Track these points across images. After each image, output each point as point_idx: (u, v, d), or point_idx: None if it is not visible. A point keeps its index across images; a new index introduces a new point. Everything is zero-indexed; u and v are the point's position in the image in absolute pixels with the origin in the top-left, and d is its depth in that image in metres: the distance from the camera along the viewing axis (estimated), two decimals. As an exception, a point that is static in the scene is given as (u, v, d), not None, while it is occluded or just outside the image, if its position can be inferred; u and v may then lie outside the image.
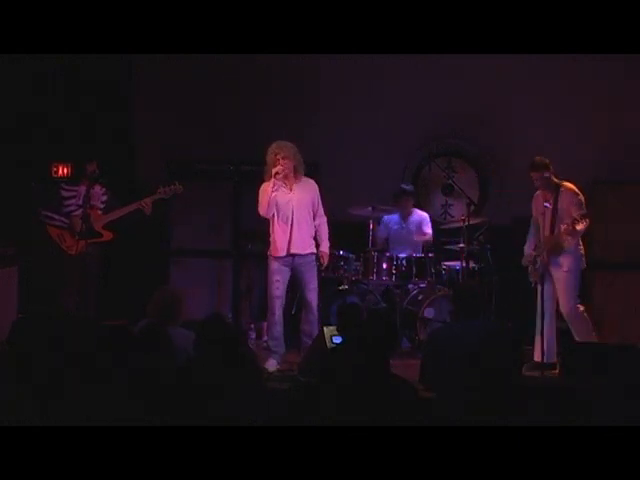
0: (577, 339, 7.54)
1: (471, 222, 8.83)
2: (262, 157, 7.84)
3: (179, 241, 9.65)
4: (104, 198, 8.28)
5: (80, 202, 8.17)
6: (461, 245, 8.86)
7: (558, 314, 7.80)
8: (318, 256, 8.00)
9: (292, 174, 7.81)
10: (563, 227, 7.49)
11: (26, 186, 8.72)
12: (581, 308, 7.78)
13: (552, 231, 7.72)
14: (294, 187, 7.87)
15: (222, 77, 9.85)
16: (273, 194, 7.72)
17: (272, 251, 7.88)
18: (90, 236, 8.08)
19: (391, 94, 9.75)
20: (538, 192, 7.90)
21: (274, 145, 7.80)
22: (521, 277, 8.10)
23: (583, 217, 7.39)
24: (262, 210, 7.81)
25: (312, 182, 8.03)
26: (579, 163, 9.01)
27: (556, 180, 7.78)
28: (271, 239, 7.90)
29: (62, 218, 8.14)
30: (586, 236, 7.77)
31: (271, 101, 9.80)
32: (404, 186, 9.44)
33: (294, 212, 7.82)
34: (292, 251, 7.82)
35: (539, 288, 7.74)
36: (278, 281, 7.83)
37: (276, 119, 9.61)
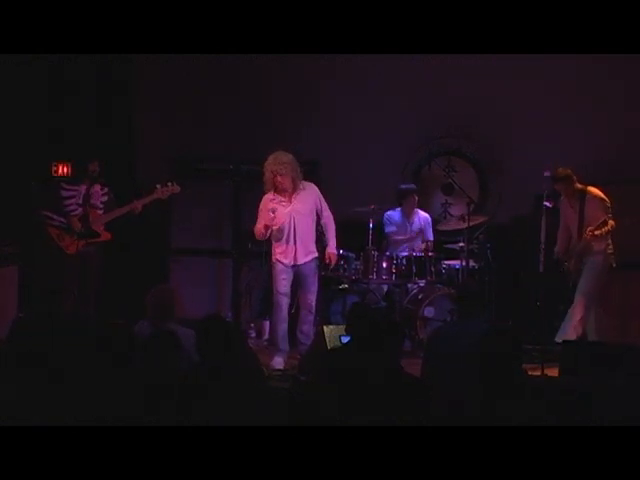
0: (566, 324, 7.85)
1: (471, 221, 8.84)
2: (262, 157, 7.85)
3: (179, 240, 9.66)
4: (104, 198, 8.28)
5: (80, 201, 8.17)
6: (461, 244, 8.87)
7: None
8: (322, 257, 8.10)
9: (291, 187, 7.87)
10: (588, 235, 7.82)
11: (26, 186, 8.71)
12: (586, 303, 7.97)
13: (580, 236, 7.99)
14: (293, 198, 7.93)
15: (223, 77, 9.84)
16: (271, 216, 7.78)
17: (276, 258, 7.95)
18: (89, 236, 8.08)
19: (391, 93, 9.74)
20: (563, 197, 8.12)
21: (271, 160, 7.84)
22: (520, 276, 8.13)
23: (602, 224, 7.78)
24: (258, 235, 7.93)
25: (311, 186, 8.07)
26: (579, 163, 9.00)
27: (580, 186, 8.05)
28: (273, 249, 7.95)
29: (61, 218, 8.13)
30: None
31: (271, 100, 9.79)
32: (406, 186, 9.41)
33: (295, 225, 7.90)
34: (297, 262, 7.92)
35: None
36: (284, 279, 7.94)
37: (276, 118, 9.61)
